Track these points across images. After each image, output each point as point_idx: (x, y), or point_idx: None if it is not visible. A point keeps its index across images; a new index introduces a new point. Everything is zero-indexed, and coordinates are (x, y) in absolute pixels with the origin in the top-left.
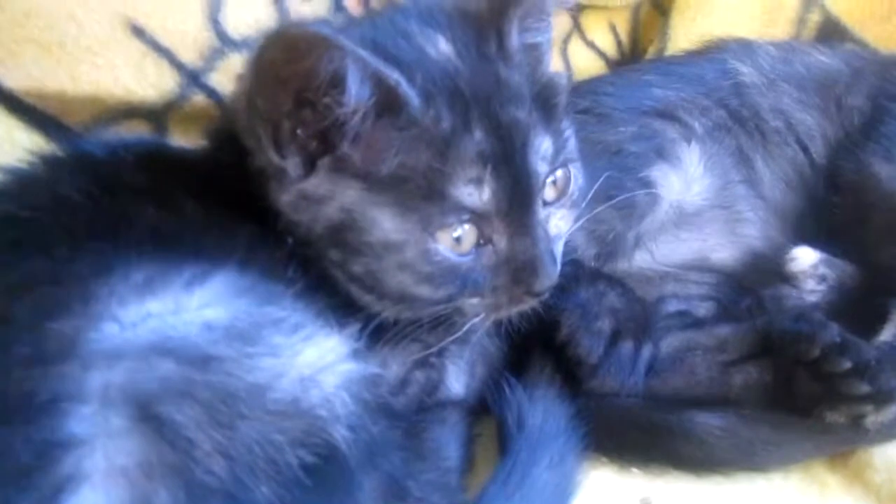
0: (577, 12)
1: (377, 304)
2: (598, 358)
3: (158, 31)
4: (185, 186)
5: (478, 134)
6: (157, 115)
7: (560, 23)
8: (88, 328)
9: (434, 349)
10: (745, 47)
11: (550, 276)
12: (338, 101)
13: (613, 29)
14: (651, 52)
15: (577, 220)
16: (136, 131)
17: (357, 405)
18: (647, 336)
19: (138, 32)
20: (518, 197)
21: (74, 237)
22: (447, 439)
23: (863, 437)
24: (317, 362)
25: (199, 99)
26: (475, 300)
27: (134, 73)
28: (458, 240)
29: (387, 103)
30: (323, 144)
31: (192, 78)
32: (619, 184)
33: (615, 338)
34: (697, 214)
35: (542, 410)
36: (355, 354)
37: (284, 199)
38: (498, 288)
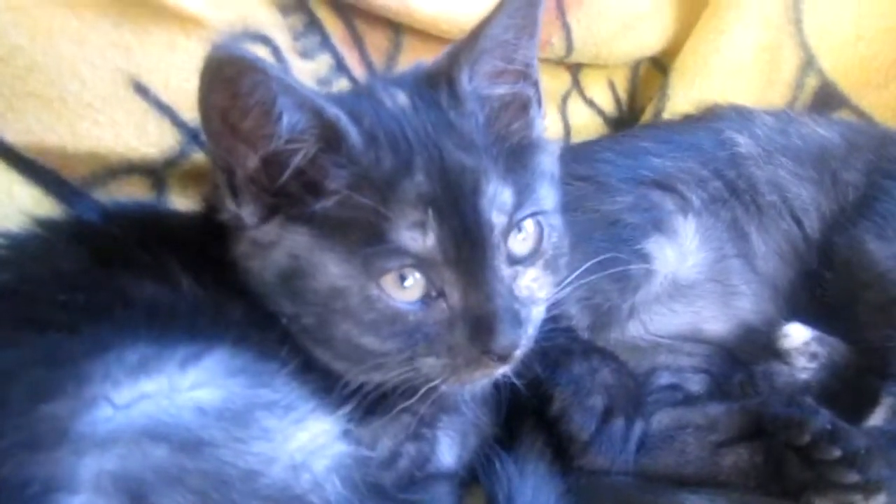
0: (576, 70)
1: (336, 362)
2: (590, 435)
3: (161, 89)
4: (182, 259)
5: (419, 176)
6: (157, 172)
7: (559, 80)
8: (82, 411)
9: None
10: (742, 116)
11: (509, 335)
12: (273, 128)
13: (612, 87)
14: (649, 111)
15: (563, 287)
16: (135, 188)
17: (347, 489)
18: (639, 413)
19: (140, 90)
20: (469, 246)
21: (70, 314)
22: None
23: None
24: (308, 446)
25: (198, 157)
26: (431, 359)
27: (135, 131)
28: (403, 287)
29: (327, 138)
30: (275, 180)
31: (193, 136)
32: (615, 255)
33: (607, 415)
34: (691, 287)
35: (532, 487)
36: (346, 435)
37: (239, 249)
38: (453, 347)
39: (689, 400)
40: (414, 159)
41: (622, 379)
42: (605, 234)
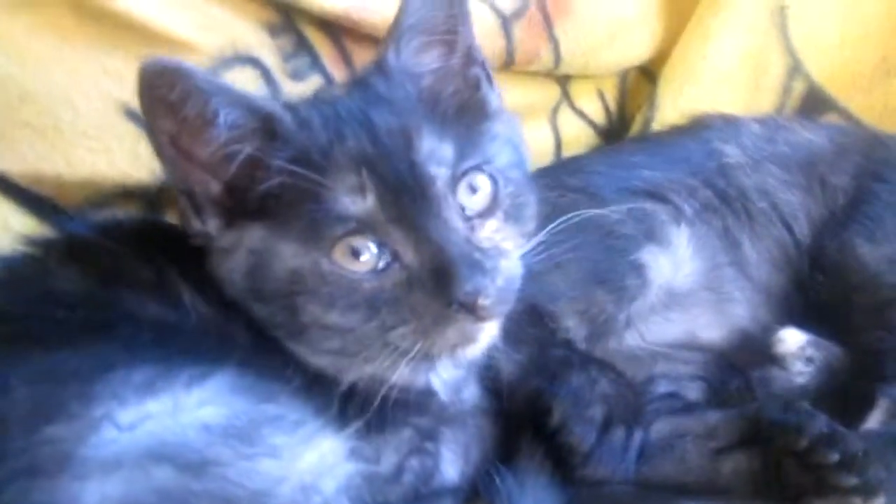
0: (565, 81)
1: (318, 358)
2: (591, 445)
3: None
4: (182, 272)
5: (350, 142)
6: (151, 196)
7: (549, 92)
8: (87, 433)
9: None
10: (729, 125)
11: (470, 280)
12: (213, 129)
13: (602, 97)
14: (639, 119)
15: (533, 243)
16: (131, 213)
17: None
18: (639, 422)
19: (133, 116)
20: (412, 201)
21: (72, 333)
22: None
23: None
24: (317, 466)
25: None
26: (401, 329)
27: (129, 157)
28: (354, 257)
29: (265, 129)
30: (228, 191)
31: None
32: (610, 266)
33: (607, 425)
34: (686, 296)
35: (532, 500)
36: (353, 453)
37: (212, 261)
38: (417, 307)
39: (687, 408)
40: (344, 129)
41: (620, 389)
42: (599, 245)
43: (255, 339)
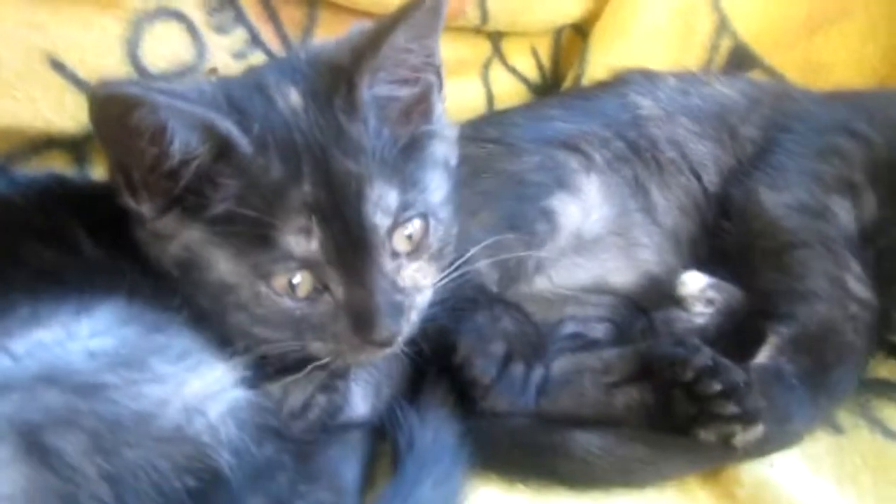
0: (497, 38)
1: (230, 337)
2: (491, 379)
3: (77, 66)
4: (82, 223)
5: (306, 185)
6: (77, 145)
7: (479, 48)
8: None
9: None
10: (647, 79)
11: (389, 327)
12: (165, 151)
13: (535, 54)
14: (570, 77)
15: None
16: (57, 162)
17: (242, 431)
18: (539, 358)
19: (57, 66)
20: (352, 247)
21: None
22: (344, 460)
23: (732, 454)
24: (202, 392)
25: None
26: (318, 344)
27: (53, 106)
28: (292, 286)
29: (220, 150)
30: (171, 189)
31: None
32: (521, 212)
33: (507, 360)
34: (596, 241)
35: (432, 431)
36: (243, 381)
37: (139, 235)
38: (337, 335)
39: (589, 346)
40: (302, 167)
41: (523, 327)
42: (511, 193)
43: (145, 275)
